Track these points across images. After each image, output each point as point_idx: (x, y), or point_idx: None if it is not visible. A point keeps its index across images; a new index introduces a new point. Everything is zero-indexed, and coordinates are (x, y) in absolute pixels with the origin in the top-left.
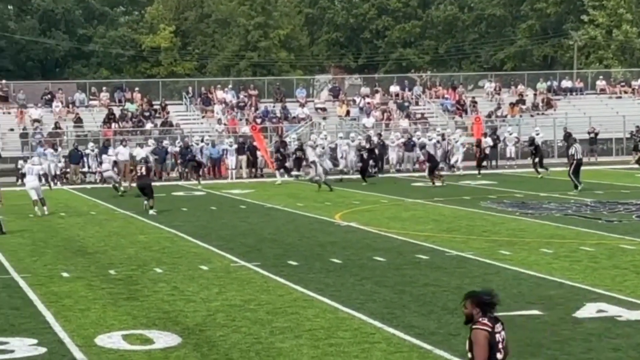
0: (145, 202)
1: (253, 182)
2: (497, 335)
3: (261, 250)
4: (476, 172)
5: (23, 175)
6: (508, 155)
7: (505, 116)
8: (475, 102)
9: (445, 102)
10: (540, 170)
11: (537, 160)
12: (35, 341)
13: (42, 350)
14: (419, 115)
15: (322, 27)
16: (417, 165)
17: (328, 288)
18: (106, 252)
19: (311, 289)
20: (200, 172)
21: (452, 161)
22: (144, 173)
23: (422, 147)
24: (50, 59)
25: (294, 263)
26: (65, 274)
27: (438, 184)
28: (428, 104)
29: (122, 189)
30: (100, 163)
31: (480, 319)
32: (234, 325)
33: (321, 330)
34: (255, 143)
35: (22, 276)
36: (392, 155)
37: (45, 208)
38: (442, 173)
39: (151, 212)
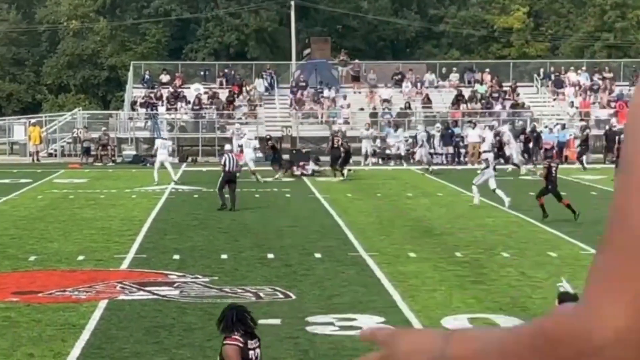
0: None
1: (607, 168)
2: (251, 352)
3: None
4: None
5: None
6: None
7: None
8: None
9: None
10: None
11: None
12: (382, 319)
13: None
14: None
15: None
16: None
17: None
18: (453, 234)
19: None
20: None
21: None
22: (337, 145)
23: None
24: (401, 39)
25: None
26: (412, 254)
27: None
28: None
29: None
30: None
31: (232, 334)
32: None
33: None
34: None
35: (370, 254)
36: None
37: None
38: None
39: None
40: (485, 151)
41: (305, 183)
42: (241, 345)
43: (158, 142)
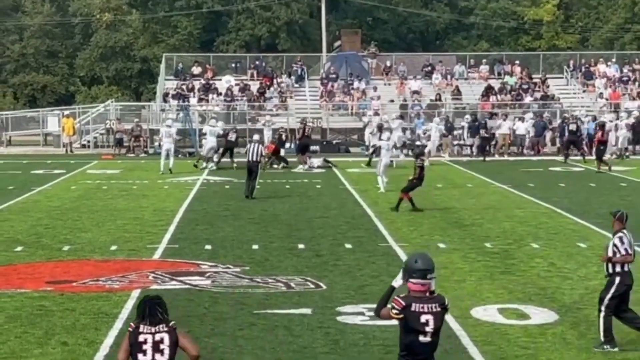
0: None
1: (635, 159)
2: (144, 336)
3: None
4: None
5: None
6: None
7: None
8: None
9: None
10: None
11: None
12: None
13: None
14: None
15: None
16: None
17: None
18: (482, 225)
19: None
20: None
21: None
22: (307, 134)
23: (602, 125)
24: (431, 31)
25: None
26: (441, 245)
27: (604, 169)
28: None
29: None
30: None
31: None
32: None
33: None
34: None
35: (399, 245)
36: None
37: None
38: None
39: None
40: (381, 139)
41: (336, 174)
42: (130, 330)
43: (162, 130)
